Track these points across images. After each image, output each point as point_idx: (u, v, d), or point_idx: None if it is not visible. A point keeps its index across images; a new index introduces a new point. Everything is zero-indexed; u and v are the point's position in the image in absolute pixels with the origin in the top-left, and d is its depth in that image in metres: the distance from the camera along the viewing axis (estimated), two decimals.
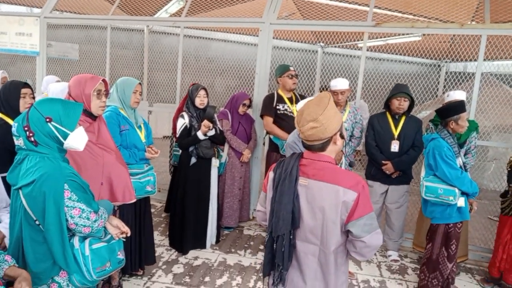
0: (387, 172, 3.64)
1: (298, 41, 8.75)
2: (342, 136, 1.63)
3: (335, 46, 9.50)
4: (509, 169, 3.31)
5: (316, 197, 1.58)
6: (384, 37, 7.71)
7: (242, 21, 4.73)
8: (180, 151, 3.68)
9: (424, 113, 6.64)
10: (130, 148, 2.84)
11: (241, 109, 4.13)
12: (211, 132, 3.53)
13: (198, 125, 3.52)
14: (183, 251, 3.66)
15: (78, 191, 1.67)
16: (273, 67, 4.34)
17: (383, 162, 3.64)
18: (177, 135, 3.60)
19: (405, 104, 3.58)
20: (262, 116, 4.12)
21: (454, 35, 4.86)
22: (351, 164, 3.18)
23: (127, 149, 2.82)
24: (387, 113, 3.72)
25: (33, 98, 2.60)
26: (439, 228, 3.06)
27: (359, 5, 4.67)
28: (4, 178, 1.94)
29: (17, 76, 6.01)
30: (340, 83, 3.70)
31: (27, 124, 1.64)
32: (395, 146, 3.64)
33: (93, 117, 2.34)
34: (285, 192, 1.59)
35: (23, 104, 2.52)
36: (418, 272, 3.46)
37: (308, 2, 5.03)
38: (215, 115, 3.62)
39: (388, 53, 9.05)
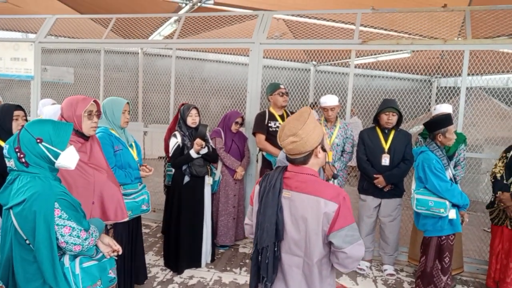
0: (379, 185, 3.67)
1: (291, 60, 8.93)
2: (324, 149, 1.67)
3: (327, 64, 9.68)
4: (492, 180, 3.36)
5: (299, 209, 1.61)
6: (373, 54, 7.87)
7: (232, 42, 4.83)
8: (173, 170, 3.71)
9: (417, 128, 6.72)
10: (124, 168, 2.83)
11: (233, 127, 4.18)
12: (204, 150, 3.57)
13: (190, 144, 3.56)
14: (178, 270, 3.64)
15: (68, 209, 1.69)
16: (265, 86, 4.42)
17: (374, 176, 3.68)
18: (170, 155, 3.63)
19: (394, 119, 3.64)
20: (254, 134, 4.17)
21: (443, 51, 4.99)
22: (334, 176, 3.21)
23: (122, 169, 2.81)
24: (377, 127, 3.78)
25: (26, 120, 2.64)
26: (432, 241, 3.08)
27: (345, 23, 4.81)
28: None
29: (12, 100, 6.07)
30: (329, 100, 3.79)
31: (18, 146, 1.68)
32: (385, 160, 3.69)
33: (85, 138, 2.37)
34: (269, 204, 1.63)
35: (16, 126, 2.57)
36: (413, 286, 3.45)
37: (298, 22, 5.16)
38: (207, 133, 3.67)
39: (380, 70, 9.20)
